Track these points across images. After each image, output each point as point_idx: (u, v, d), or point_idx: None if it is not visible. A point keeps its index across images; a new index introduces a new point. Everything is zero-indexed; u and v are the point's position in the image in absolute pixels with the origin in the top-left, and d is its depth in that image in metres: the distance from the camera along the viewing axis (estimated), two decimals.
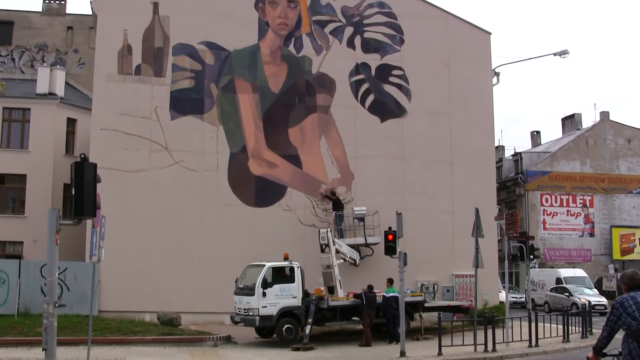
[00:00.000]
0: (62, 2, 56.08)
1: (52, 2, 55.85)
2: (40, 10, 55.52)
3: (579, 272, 56.84)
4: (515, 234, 32.39)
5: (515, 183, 67.90)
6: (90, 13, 41.07)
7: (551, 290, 54.09)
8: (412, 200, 38.77)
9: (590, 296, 49.22)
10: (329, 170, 38.99)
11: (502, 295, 40.26)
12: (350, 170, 39.17)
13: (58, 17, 55.33)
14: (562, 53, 40.82)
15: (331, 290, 32.12)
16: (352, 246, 36.20)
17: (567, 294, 51.12)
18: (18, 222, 43.65)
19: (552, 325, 31.98)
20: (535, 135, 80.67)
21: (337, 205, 37.69)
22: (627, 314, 10.14)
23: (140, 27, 38.38)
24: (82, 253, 34.93)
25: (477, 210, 30.56)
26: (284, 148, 38.71)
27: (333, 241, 33.03)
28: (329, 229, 33.55)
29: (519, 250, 34.83)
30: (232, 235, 36.97)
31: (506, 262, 31.94)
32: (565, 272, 56.78)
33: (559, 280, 54.98)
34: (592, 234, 67.90)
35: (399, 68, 40.46)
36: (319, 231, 33.25)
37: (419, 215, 38.02)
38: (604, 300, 50.36)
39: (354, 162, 39.19)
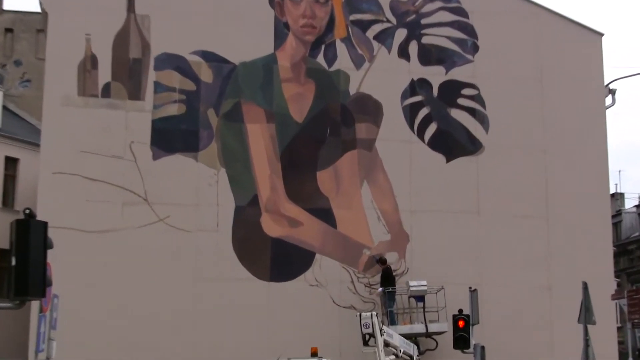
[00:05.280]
0: None
1: None
2: None
3: None
4: None
5: None
6: (39, 10, 37.92)
7: None
8: (491, 272, 35.93)
9: None
10: (374, 229, 35.99)
11: None
12: (403, 230, 36.22)
13: None
14: None
15: None
16: (408, 336, 32.93)
17: None
18: None
19: None
20: None
21: (387, 278, 34.77)
22: None
23: (110, 31, 35.20)
24: (25, 347, 32.78)
25: (585, 285, 29.65)
26: (311, 199, 35.82)
27: (381, 330, 29.00)
28: (374, 313, 29.81)
29: None
30: (239, 322, 34.09)
31: (630, 358, 31.55)
32: None
33: None
34: None
35: (472, 86, 37.42)
36: (360, 315, 29.52)
37: (501, 293, 35.58)
38: None
39: (409, 218, 36.18)
